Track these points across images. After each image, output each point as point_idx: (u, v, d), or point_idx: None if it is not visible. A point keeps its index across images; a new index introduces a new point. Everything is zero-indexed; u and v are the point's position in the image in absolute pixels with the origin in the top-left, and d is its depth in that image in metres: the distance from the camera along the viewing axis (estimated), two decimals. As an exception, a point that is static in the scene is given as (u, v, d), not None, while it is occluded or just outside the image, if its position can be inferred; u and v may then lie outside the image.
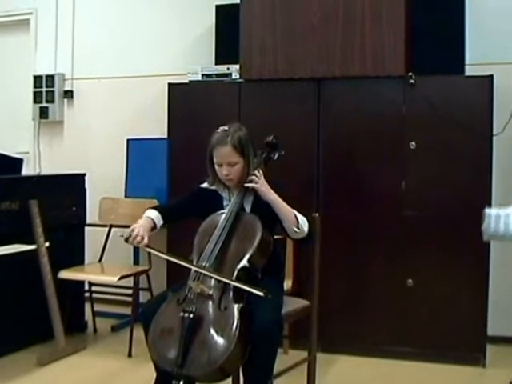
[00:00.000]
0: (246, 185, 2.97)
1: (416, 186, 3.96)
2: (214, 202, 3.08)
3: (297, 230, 2.95)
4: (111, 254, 4.59)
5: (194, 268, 2.84)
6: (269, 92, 4.23)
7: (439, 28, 4.03)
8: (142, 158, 5.01)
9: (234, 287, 2.77)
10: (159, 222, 3.02)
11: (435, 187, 3.94)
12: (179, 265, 2.86)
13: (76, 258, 4.46)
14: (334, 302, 4.02)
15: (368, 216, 4.06)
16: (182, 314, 2.69)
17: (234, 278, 2.80)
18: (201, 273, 2.82)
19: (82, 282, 4.53)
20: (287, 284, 3.71)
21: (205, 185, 3.16)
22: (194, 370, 2.62)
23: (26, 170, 4.81)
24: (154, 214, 3.02)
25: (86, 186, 4.59)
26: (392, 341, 4.01)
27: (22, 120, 5.65)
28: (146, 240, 2.88)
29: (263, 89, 4.24)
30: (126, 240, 2.89)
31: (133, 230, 2.89)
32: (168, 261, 2.88)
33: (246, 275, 2.85)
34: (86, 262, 4.63)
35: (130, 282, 4.26)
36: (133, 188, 4.99)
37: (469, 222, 3.86)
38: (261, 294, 2.67)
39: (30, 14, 5.58)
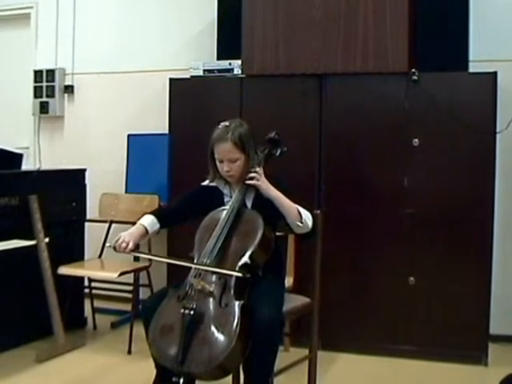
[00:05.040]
0: (247, 182, 2.95)
1: (419, 184, 3.94)
2: (215, 199, 3.06)
3: (300, 224, 2.93)
4: (111, 250, 4.56)
5: (191, 266, 2.83)
6: (270, 88, 4.21)
7: (443, 24, 4.00)
8: (143, 153, 4.98)
9: (235, 284, 2.75)
10: (153, 227, 3.01)
11: (438, 185, 3.92)
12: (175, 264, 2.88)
13: (76, 254, 4.45)
14: (336, 300, 4.00)
15: (370, 213, 4.03)
16: (182, 310, 2.68)
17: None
18: (201, 269, 2.80)
19: (81, 278, 4.51)
20: (288, 281, 3.70)
21: (206, 182, 3.14)
22: (194, 367, 2.61)
23: (26, 165, 4.78)
24: (147, 220, 3.01)
25: (86, 181, 4.57)
26: (393, 339, 3.99)
27: (22, 115, 5.63)
28: (130, 245, 2.90)
29: (265, 84, 4.21)
30: (114, 248, 2.93)
31: (119, 238, 2.91)
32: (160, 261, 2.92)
33: (246, 272, 2.82)
34: (86, 257, 4.61)
35: (130, 278, 4.24)
36: (133, 184, 4.97)
37: (472, 220, 3.87)
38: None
39: (31, 7, 5.56)
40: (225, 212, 2.95)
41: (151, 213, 3.08)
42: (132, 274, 4.21)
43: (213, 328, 2.66)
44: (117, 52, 5.29)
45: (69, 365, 3.87)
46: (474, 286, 3.86)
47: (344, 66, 3.99)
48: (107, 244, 3.03)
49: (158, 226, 3.02)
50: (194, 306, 2.68)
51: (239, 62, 4.27)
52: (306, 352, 3.20)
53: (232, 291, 2.74)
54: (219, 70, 4.37)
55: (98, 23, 5.37)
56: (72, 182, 4.47)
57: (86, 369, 3.80)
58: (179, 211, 3.14)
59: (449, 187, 3.90)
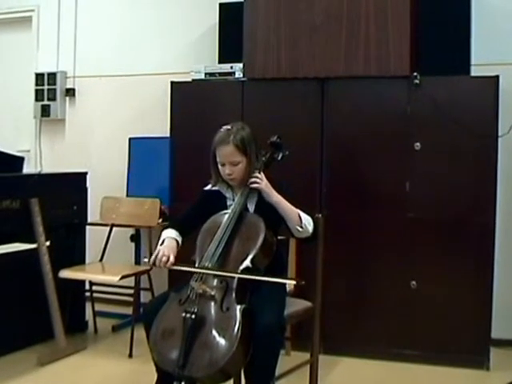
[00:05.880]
0: (251, 186, 2.96)
1: (420, 188, 3.93)
2: (217, 203, 3.05)
3: (300, 229, 2.93)
4: (112, 253, 4.57)
5: (222, 274, 2.81)
6: (272, 91, 4.20)
7: (445, 28, 3.99)
8: (144, 156, 4.98)
9: (237, 288, 2.75)
10: (179, 239, 3.00)
11: (440, 189, 3.91)
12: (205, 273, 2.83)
13: (77, 258, 4.44)
14: (337, 304, 4.00)
15: (372, 217, 4.03)
16: (183, 314, 2.67)
17: (236, 278, 2.78)
18: (212, 274, 2.80)
19: (82, 282, 4.50)
20: (289, 285, 3.68)
21: (208, 187, 3.14)
22: (195, 371, 2.60)
23: (27, 169, 4.77)
24: (172, 233, 2.99)
25: (88, 184, 4.56)
26: (395, 343, 3.98)
27: (23, 118, 5.63)
28: (171, 259, 2.86)
29: (266, 88, 4.21)
30: (154, 263, 2.87)
31: (158, 253, 2.87)
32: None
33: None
34: (87, 261, 4.60)
35: (131, 281, 4.23)
36: (134, 187, 4.96)
37: (474, 224, 3.86)
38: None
39: (32, 11, 5.56)
40: (226, 216, 2.94)
41: (169, 227, 3.06)
42: (133, 278, 4.20)
43: (214, 332, 2.65)
44: (118, 55, 5.29)
45: (70, 368, 3.86)
46: (476, 290, 3.85)
47: (346, 69, 3.99)
48: (145, 259, 3.00)
49: (181, 237, 3.01)
50: (196, 310, 2.67)
51: (241, 65, 4.27)
52: (307, 356, 3.20)
53: (233, 295, 2.73)
54: (221, 74, 4.36)
55: (100, 26, 5.37)
56: (73, 185, 4.46)
57: (87, 372, 3.80)
58: (192, 220, 3.09)
59: (451, 191, 3.90)
